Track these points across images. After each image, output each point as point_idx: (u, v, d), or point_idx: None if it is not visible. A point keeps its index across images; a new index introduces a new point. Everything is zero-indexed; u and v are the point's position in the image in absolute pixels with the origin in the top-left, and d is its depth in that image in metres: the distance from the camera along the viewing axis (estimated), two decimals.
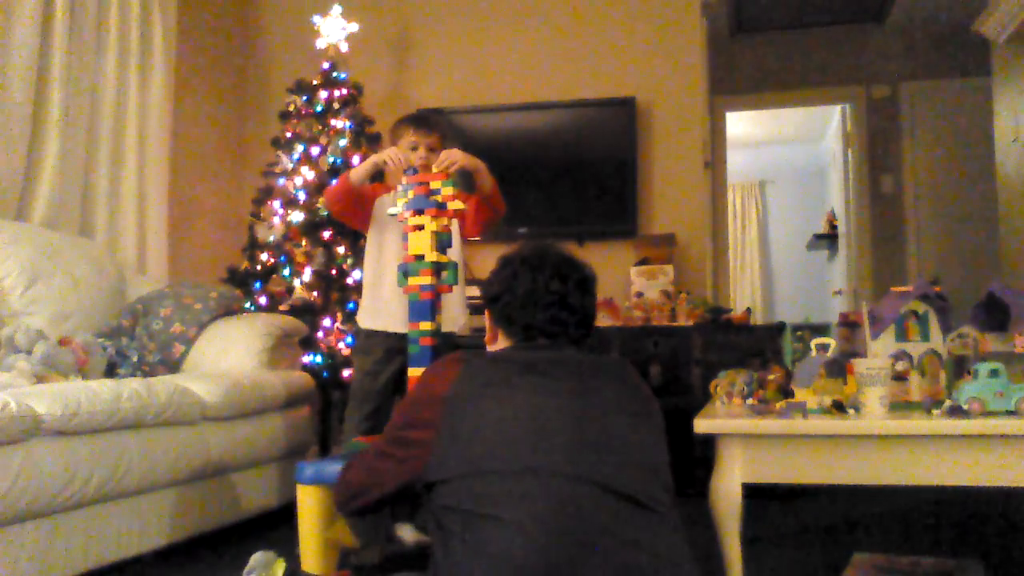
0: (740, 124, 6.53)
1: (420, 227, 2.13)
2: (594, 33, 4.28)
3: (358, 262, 3.57)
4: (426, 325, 2.11)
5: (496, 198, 2.57)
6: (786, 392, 1.99)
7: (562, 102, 4.21)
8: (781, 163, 7.96)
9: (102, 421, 2.06)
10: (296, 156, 3.74)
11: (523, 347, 1.49)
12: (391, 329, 2.55)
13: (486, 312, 1.58)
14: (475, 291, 3.76)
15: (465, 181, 2.29)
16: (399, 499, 1.48)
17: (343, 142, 3.69)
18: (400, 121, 2.69)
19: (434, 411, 1.36)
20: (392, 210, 2.22)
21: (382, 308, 2.58)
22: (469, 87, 4.36)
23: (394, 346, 2.53)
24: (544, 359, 1.42)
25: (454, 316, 2.58)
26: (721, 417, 1.83)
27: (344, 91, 3.81)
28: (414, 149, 2.58)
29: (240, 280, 3.68)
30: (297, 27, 4.33)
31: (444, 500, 1.32)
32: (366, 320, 2.63)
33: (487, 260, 4.38)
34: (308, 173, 3.66)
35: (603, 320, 3.68)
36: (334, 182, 2.76)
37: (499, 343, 1.56)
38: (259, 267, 3.68)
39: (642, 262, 3.91)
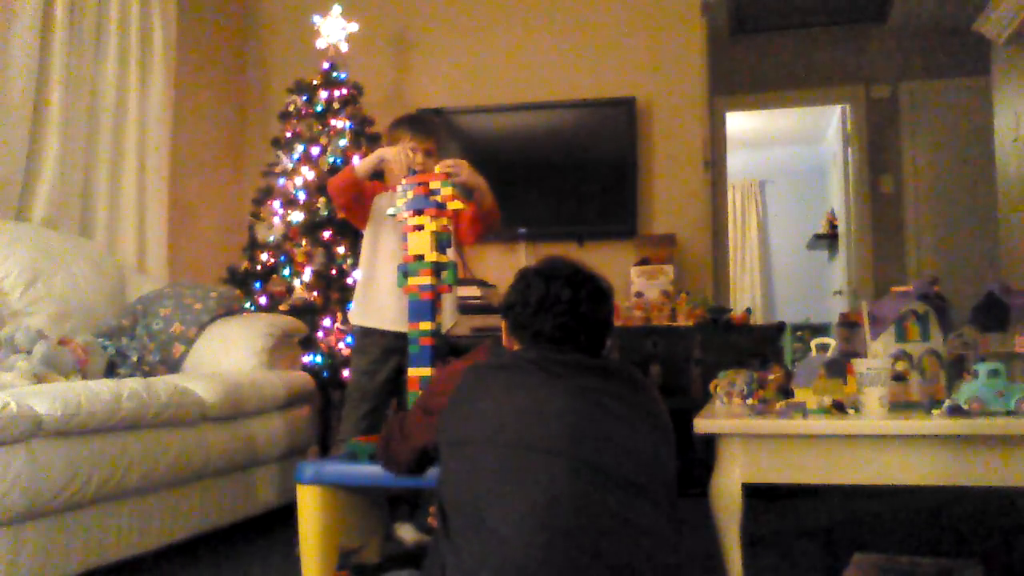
0: (740, 124, 6.53)
1: (420, 227, 2.13)
2: (594, 33, 4.28)
3: (358, 262, 3.57)
4: (426, 325, 2.11)
5: (493, 216, 2.59)
6: (786, 392, 1.99)
7: (562, 102, 4.21)
8: (781, 163, 7.96)
9: (102, 421, 2.06)
10: (296, 156, 3.74)
11: (531, 348, 1.52)
12: (383, 327, 2.55)
13: (503, 322, 1.63)
14: (465, 292, 3.80)
15: (464, 193, 2.29)
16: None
17: (343, 142, 3.69)
18: (396, 123, 2.69)
19: (454, 383, 1.50)
20: (391, 210, 2.22)
21: (375, 306, 2.58)
22: (469, 87, 4.36)
23: (390, 345, 2.54)
24: (549, 359, 1.45)
25: (444, 317, 2.60)
26: (721, 417, 1.84)
27: (344, 91, 3.81)
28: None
29: (240, 280, 3.68)
30: (297, 27, 4.33)
31: (446, 485, 1.39)
32: (357, 317, 2.63)
33: (487, 260, 4.41)
34: (308, 173, 3.66)
35: None
36: (338, 173, 2.75)
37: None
38: (259, 267, 3.68)
39: (642, 262, 3.91)
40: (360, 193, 2.58)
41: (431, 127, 2.69)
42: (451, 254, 2.29)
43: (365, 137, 3.79)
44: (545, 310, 1.50)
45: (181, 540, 2.39)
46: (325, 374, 3.47)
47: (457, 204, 2.15)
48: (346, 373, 3.45)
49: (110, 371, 2.72)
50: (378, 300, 2.57)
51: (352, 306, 2.69)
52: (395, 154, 2.47)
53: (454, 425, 1.44)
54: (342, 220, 3.55)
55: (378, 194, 2.63)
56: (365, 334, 2.61)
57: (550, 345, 1.50)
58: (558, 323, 1.49)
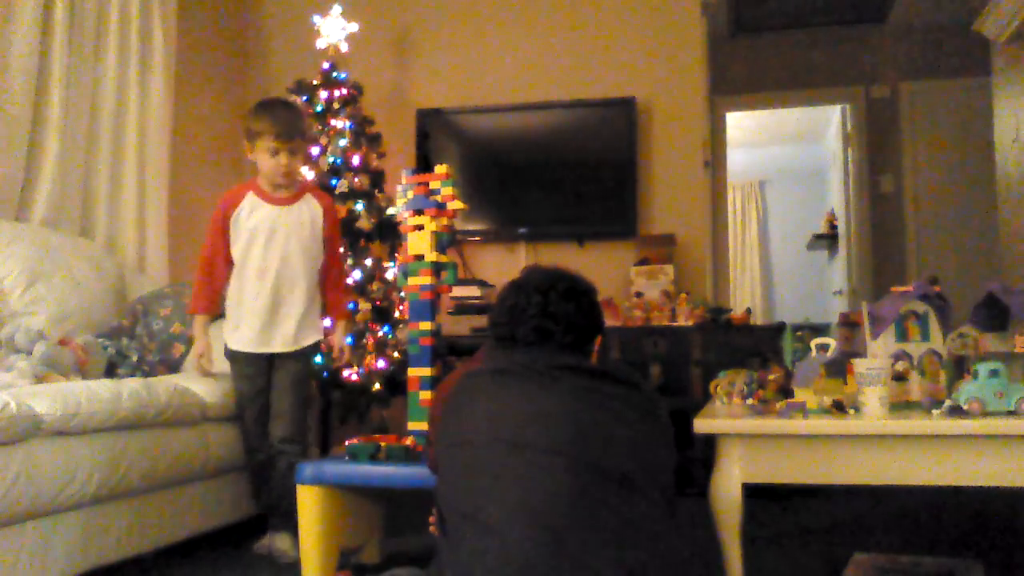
0: (740, 124, 6.53)
1: (420, 227, 2.13)
2: (594, 33, 4.28)
3: (358, 262, 3.56)
4: (426, 325, 2.11)
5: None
6: (786, 392, 1.99)
7: (562, 102, 4.21)
8: (781, 163, 7.96)
9: (102, 421, 2.06)
10: None
11: (518, 353, 1.51)
12: (246, 349, 2.54)
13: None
14: (465, 292, 3.80)
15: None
16: None
17: (343, 142, 3.69)
18: (258, 113, 2.56)
19: (449, 390, 1.53)
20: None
21: (241, 326, 2.54)
22: (469, 87, 4.36)
23: (257, 358, 2.55)
24: (543, 361, 1.45)
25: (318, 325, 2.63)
26: (721, 417, 1.83)
27: (344, 91, 3.80)
28: (274, 155, 2.51)
29: None
30: (297, 27, 4.33)
31: (444, 487, 1.41)
32: (227, 335, 2.58)
33: (487, 260, 4.40)
34: (308, 173, 3.66)
35: None
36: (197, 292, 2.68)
37: None
38: None
39: (642, 262, 3.91)
40: (224, 264, 2.56)
41: (295, 125, 2.56)
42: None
43: (365, 137, 3.78)
44: (518, 317, 1.52)
45: (181, 540, 2.39)
46: (325, 374, 3.46)
47: (458, 204, 2.15)
48: (346, 373, 3.46)
49: (110, 371, 2.72)
50: (243, 320, 2.54)
51: (225, 322, 2.62)
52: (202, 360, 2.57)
53: (450, 428, 1.44)
54: (342, 220, 3.54)
55: (236, 207, 2.55)
56: (228, 348, 2.59)
57: (531, 348, 1.50)
58: (531, 326, 1.50)
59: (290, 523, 2.41)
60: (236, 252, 2.54)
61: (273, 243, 2.52)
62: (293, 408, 2.56)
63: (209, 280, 2.57)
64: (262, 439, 2.56)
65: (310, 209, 2.61)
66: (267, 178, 2.57)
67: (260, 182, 2.59)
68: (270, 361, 2.57)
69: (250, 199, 2.55)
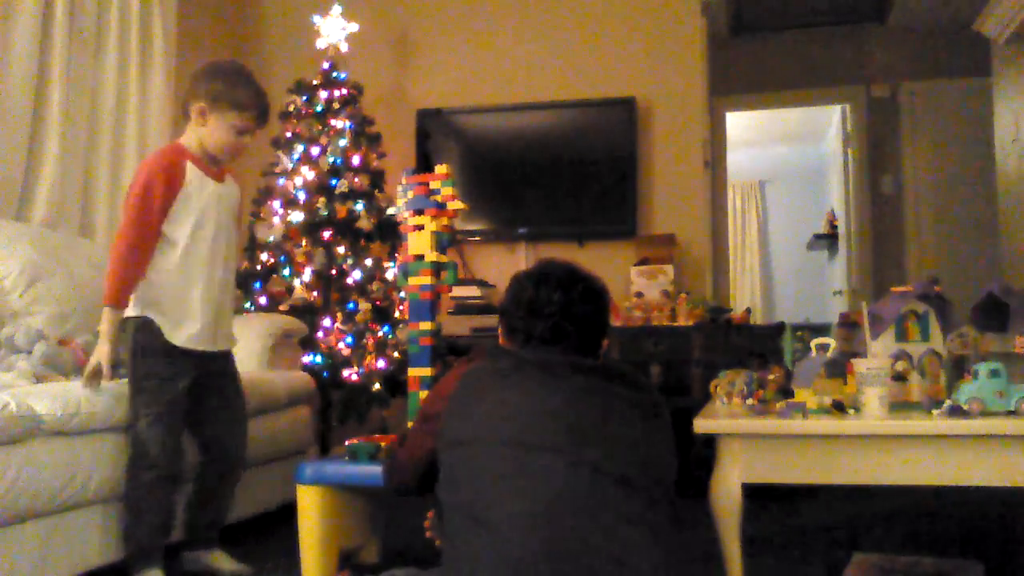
0: (740, 124, 6.53)
1: (420, 227, 2.13)
2: (594, 33, 4.28)
3: (358, 262, 3.57)
4: (426, 325, 2.11)
5: None
6: (786, 392, 1.99)
7: (562, 102, 4.22)
8: (781, 163, 7.96)
9: (102, 421, 2.06)
10: (296, 156, 3.74)
11: (527, 350, 1.52)
12: (200, 347, 2.18)
13: (499, 327, 1.64)
14: (465, 292, 3.81)
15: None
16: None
17: (343, 142, 3.69)
18: (235, 86, 2.21)
19: (450, 388, 1.50)
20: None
21: (190, 322, 2.16)
22: (469, 87, 4.36)
23: (194, 359, 2.19)
24: (547, 359, 1.46)
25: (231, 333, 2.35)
26: (721, 417, 1.84)
27: (344, 91, 3.81)
28: (240, 133, 2.23)
29: (240, 280, 3.67)
30: (297, 27, 4.33)
31: (445, 486, 1.39)
32: (168, 330, 2.13)
33: (487, 260, 4.39)
34: (308, 173, 3.66)
35: None
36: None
37: None
38: (259, 267, 3.67)
39: (642, 262, 3.91)
40: (145, 260, 2.12)
41: (269, 110, 2.31)
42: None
43: (365, 137, 3.79)
44: (535, 313, 1.50)
45: (181, 540, 2.39)
46: (325, 374, 3.47)
47: (458, 204, 2.15)
48: (346, 373, 3.45)
49: None
50: (191, 314, 2.16)
51: (159, 311, 2.14)
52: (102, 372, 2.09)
53: (453, 427, 1.44)
54: (342, 220, 3.55)
55: (183, 177, 2.16)
56: (165, 342, 2.15)
57: (544, 346, 1.50)
58: (549, 324, 1.50)
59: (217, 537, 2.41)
60: (180, 232, 2.14)
61: (219, 224, 2.22)
62: (245, 421, 2.40)
63: (138, 266, 2.11)
64: (177, 453, 2.20)
65: (233, 190, 2.34)
66: (212, 152, 2.24)
67: (194, 150, 2.24)
68: (197, 374, 2.21)
69: (194, 172, 2.19)
